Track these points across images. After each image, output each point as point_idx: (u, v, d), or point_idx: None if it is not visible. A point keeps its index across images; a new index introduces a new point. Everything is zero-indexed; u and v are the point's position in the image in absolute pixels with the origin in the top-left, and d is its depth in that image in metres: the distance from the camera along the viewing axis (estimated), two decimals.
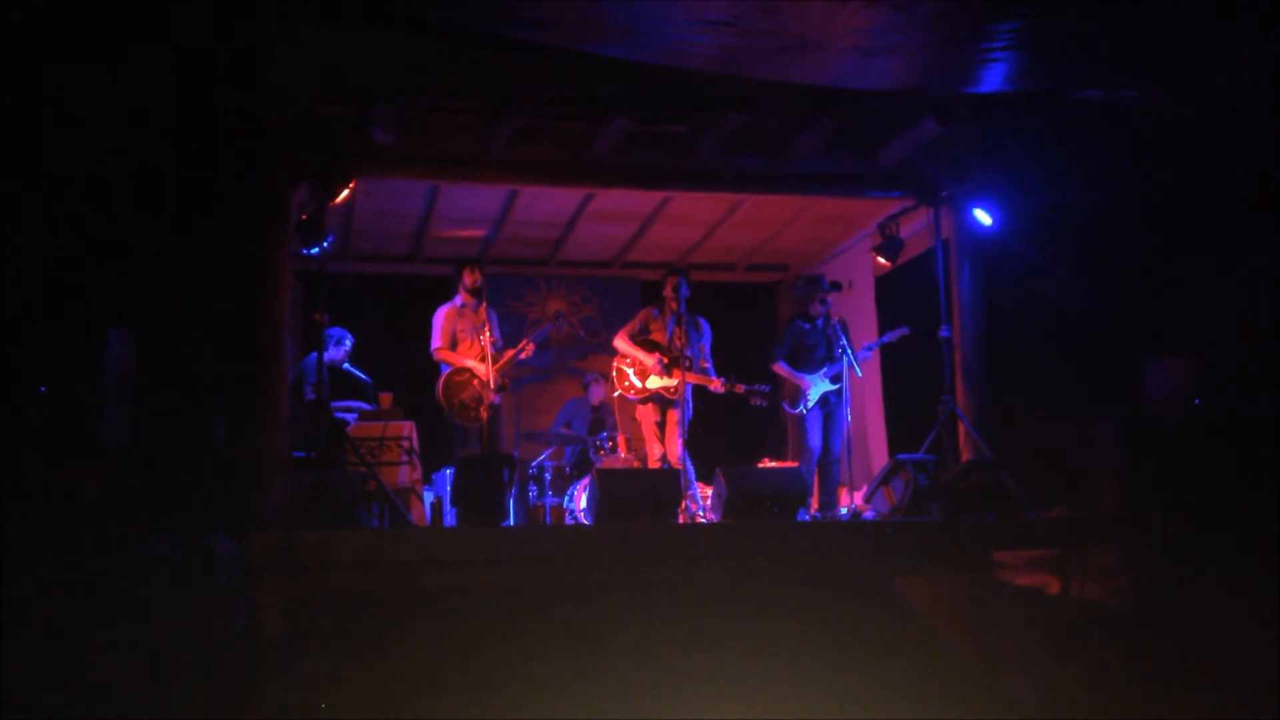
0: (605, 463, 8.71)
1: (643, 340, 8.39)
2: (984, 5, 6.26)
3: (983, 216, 8.15)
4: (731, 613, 6.36)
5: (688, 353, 8.06)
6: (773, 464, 8.84)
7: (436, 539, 6.53)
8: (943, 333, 7.93)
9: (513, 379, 9.03)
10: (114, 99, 7.36)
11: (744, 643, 6.23)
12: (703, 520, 7.72)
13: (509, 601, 6.21)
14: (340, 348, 8.52)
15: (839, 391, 8.36)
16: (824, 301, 8.52)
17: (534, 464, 9.00)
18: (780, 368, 8.50)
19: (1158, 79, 7.42)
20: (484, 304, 8.38)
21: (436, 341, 8.27)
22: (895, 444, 9.66)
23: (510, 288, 11.05)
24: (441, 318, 8.34)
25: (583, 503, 8.32)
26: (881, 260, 8.56)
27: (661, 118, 7.94)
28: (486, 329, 8.16)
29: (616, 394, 8.53)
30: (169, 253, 7.69)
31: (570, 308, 11.30)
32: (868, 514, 7.62)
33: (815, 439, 8.46)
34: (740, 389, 8.17)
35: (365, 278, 10.63)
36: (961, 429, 8.04)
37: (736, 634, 6.27)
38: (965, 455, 7.95)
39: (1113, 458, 7.10)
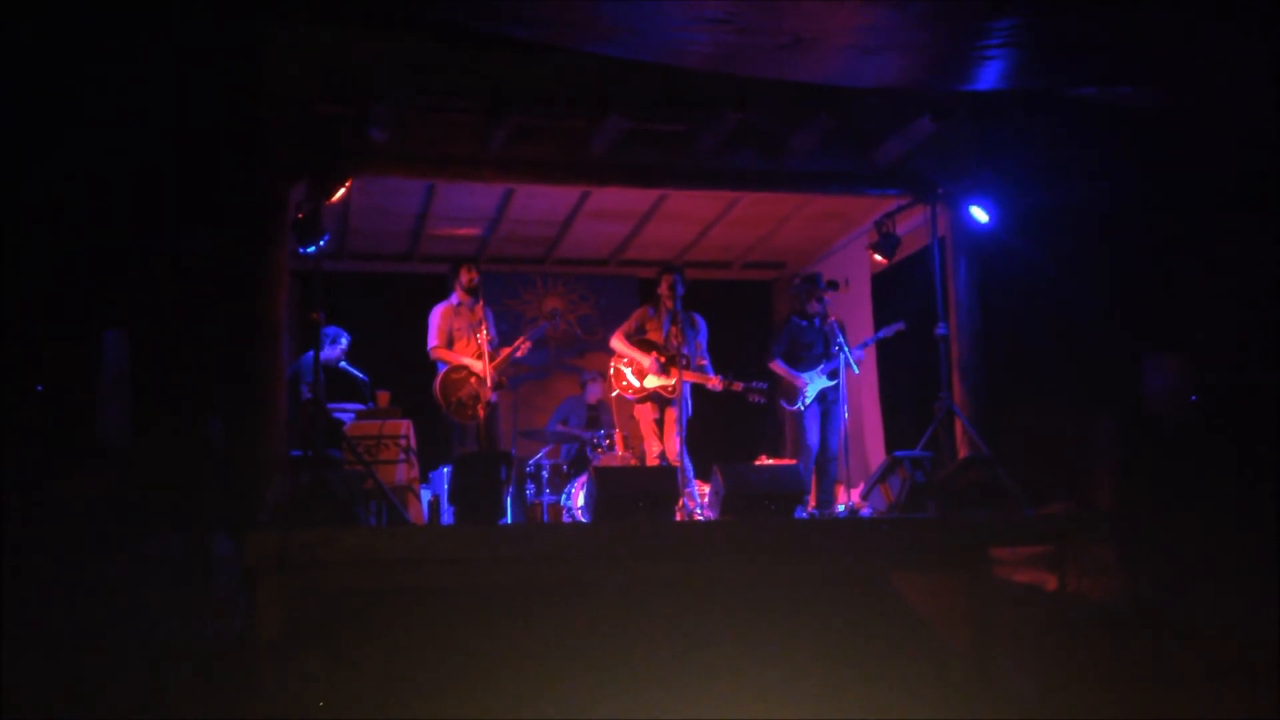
0: (603, 460, 8.72)
1: (639, 340, 8.40)
2: (981, 3, 6.26)
3: (979, 214, 8.16)
4: (729, 610, 6.36)
5: (684, 350, 8.07)
6: (770, 461, 8.86)
7: (434, 537, 6.54)
8: (939, 330, 7.94)
9: (510, 377, 9.03)
10: (112, 97, 7.36)
11: (742, 640, 6.24)
12: (700, 518, 7.72)
13: (507, 599, 6.21)
14: (336, 346, 8.53)
15: (836, 389, 8.38)
16: (821, 299, 8.53)
17: (531, 462, 9.00)
18: (777, 365, 8.51)
19: (1155, 77, 7.43)
20: (480, 302, 8.38)
21: (433, 340, 8.27)
22: (892, 441, 9.67)
23: (507, 286, 11.05)
24: (437, 316, 8.34)
25: (580, 500, 8.33)
26: (878, 258, 8.58)
27: (658, 116, 7.95)
28: (483, 326, 8.15)
29: (615, 394, 8.54)
30: (166, 252, 7.69)
31: (567, 306, 11.30)
32: (865, 511, 7.63)
33: (813, 436, 8.48)
34: (738, 387, 8.18)
35: (362, 276, 10.63)
36: (958, 426, 8.06)
37: (734, 631, 6.27)
38: (962, 452, 7.96)
39: (1110, 454, 7.11)
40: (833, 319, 8.41)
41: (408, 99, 7.59)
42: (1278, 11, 6.24)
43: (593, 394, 9.88)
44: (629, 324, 8.49)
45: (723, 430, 9.63)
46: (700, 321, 8.49)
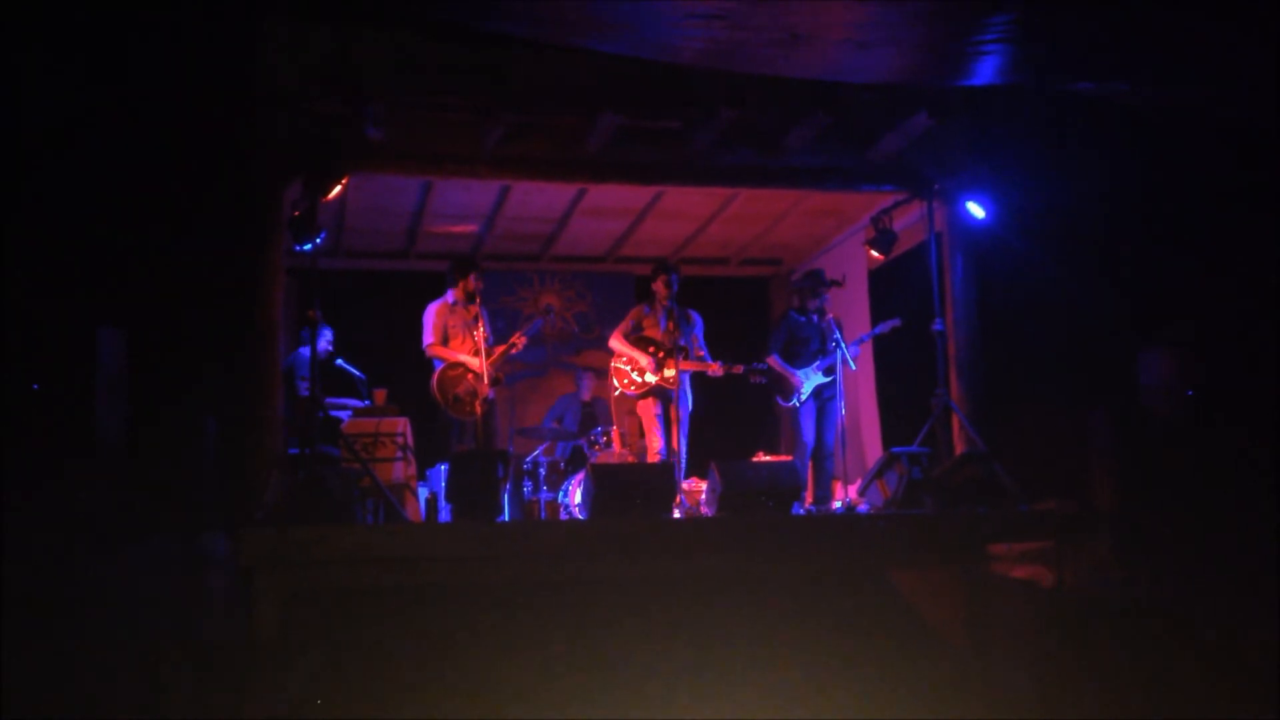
0: (600, 458, 8.72)
1: (637, 338, 8.40)
2: None
3: (975, 210, 8.16)
4: (726, 606, 6.37)
5: (681, 343, 8.11)
6: (767, 458, 8.86)
7: (431, 535, 6.54)
8: (936, 326, 7.94)
9: (507, 374, 9.02)
10: (107, 95, 7.35)
11: (739, 636, 6.24)
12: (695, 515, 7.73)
13: (504, 597, 6.22)
14: (321, 340, 8.49)
15: (832, 385, 8.37)
16: (819, 295, 8.53)
17: (528, 459, 9.00)
18: (774, 361, 8.51)
19: (1150, 73, 7.42)
20: (477, 301, 8.37)
21: (429, 337, 8.27)
22: (889, 437, 9.67)
23: (503, 283, 11.04)
24: (433, 313, 8.33)
25: (577, 498, 8.33)
26: (875, 254, 8.56)
27: (654, 113, 7.94)
28: (480, 323, 8.15)
29: (618, 392, 8.53)
30: (162, 250, 7.68)
31: (564, 303, 11.30)
32: (862, 507, 7.63)
33: (808, 432, 8.49)
34: (739, 369, 8.19)
35: (358, 274, 10.63)
36: (955, 422, 8.05)
37: (731, 627, 6.28)
38: (959, 448, 7.96)
39: (1106, 450, 7.10)
40: (830, 315, 8.41)
41: (403, 96, 7.58)
42: (1276, 10, 6.23)
43: (586, 390, 9.87)
44: (626, 323, 8.50)
45: (720, 427, 9.62)
46: (695, 317, 8.50)
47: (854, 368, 8.43)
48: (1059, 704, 6.08)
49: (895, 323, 8.51)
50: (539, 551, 6.23)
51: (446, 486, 6.89)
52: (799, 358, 8.51)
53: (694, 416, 8.39)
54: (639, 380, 8.30)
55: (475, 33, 7.03)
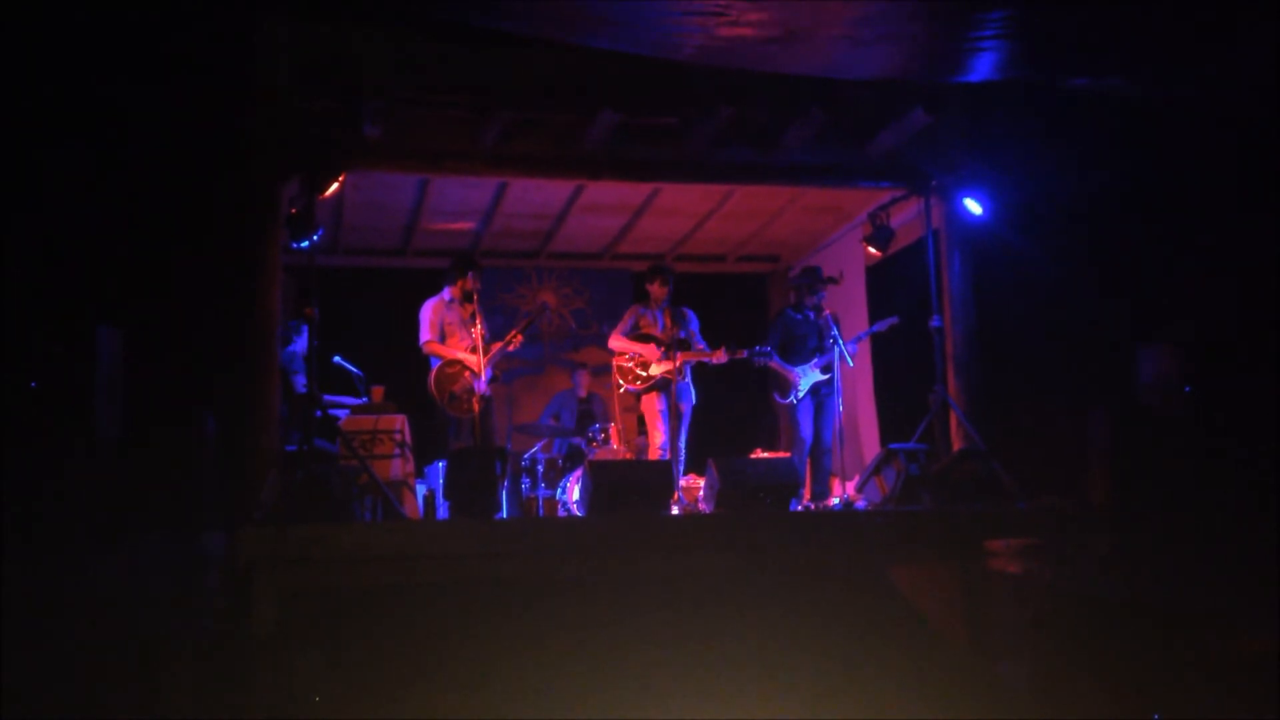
0: (598, 454, 8.72)
1: (637, 336, 8.41)
2: None
3: (973, 206, 8.16)
4: (724, 603, 6.38)
5: (679, 336, 8.16)
6: (765, 454, 8.86)
7: (429, 532, 6.54)
8: (934, 322, 7.94)
9: (505, 371, 9.02)
10: (104, 94, 7.34)
11: (737, 633, 6.25)
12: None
13: (502, 594, 6.22)
14: (301, 338, 8.47)
15: (830, 382, 8.38)
16: (816, 292, 8.54)
17: (526, 456, 9.00)
18: (771, 359, 8.50)
19: (1149, 69, 7.43)
20: (474, 299, 8.37)
21: (425, 334, 8.26)
22: (887, 434, 9.68)
23: (501, 280, 11.03)
24: (429, 311, 8.32)
25: (575, 494, 8.33)
26: (872, 250, 8.56)
27: (651, 110, 7.94)
28: (478, 320, 8.15)
29: (622, 389, 8.53)
30: (159, 247, 7.67)
31: (561, 300, 11.30)
32: (860, 504, 7.63)
33: (807, 429, 8.49)
34: (742, 354, 8.20)
35: (356, 271, 10.62)
36: (953, 418, 8.06)
37: (729, 624, 6.29)
38: (957, 445, 7.97)
39: (1104, 446, 7.10)
40: (827, 312, 8.41)
41: (400, 94, 7.58)
42: (1274, 9, 6.24)
43: (582, 387, 9.87)
44: (624, 323, 8.51)
45: (718, 423, 9.63)
46: (690, 314, 8.52)
47: (851, 364, 8.43)
48: (1056, 700, 6.09)
49: (894, 320, 8.52)
50: (537, 548, 6.24)
51: (444, 484, 6.89)
52: (796, 355, 8.51)
53: (692, 412, 8.39)
54: (644, 374, 8.31)
55: (473, 30, 7.03)
